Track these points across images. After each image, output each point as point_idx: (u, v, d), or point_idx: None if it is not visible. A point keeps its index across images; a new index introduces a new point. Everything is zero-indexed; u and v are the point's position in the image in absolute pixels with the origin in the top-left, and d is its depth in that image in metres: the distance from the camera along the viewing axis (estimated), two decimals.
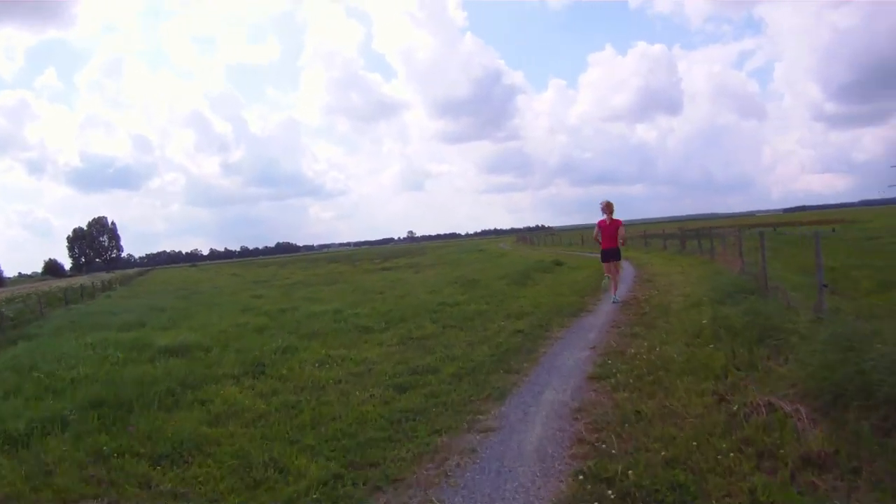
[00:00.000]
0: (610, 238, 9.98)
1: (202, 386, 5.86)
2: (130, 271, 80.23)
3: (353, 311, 10.67)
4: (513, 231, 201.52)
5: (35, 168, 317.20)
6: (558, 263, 19.44)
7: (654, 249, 25.07)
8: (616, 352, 6.22)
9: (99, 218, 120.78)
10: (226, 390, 5.69)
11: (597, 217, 10.31)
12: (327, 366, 6.59)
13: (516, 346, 6.94)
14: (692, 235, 23.09)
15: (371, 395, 5.27)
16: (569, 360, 6.17)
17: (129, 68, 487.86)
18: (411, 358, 6.69)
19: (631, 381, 5.00)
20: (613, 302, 9.74)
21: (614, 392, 4.80)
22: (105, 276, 62.21)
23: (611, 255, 10.05)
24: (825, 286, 6.21)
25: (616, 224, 9.96)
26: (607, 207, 9.91)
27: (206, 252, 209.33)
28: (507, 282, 14.32)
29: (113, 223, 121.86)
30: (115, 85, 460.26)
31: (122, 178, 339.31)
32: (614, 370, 5.41)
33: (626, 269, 13.72)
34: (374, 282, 20.59)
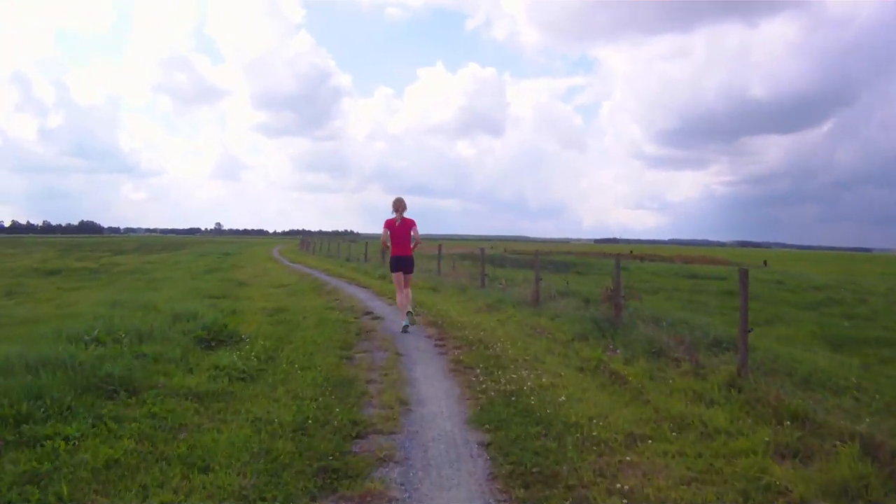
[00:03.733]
0: (401, 243, 8.03)
1: None
2: None
3: None
4: (321, 234, 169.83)
5: None
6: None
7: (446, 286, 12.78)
8: None
9: None
10: None
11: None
12: None
13: None
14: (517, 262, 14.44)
15: None
16: None
17: None
18: None
19: None
20: (405, 329, 7.63)
21: None
22: None
23: (402, 263, 8.03)
24: None
25: (408, 225, 8.00)
26: (398, 205, 7.98)
27: (7, 224, 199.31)
28: None
29: None
30: None
31: None
32: None
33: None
34: None
